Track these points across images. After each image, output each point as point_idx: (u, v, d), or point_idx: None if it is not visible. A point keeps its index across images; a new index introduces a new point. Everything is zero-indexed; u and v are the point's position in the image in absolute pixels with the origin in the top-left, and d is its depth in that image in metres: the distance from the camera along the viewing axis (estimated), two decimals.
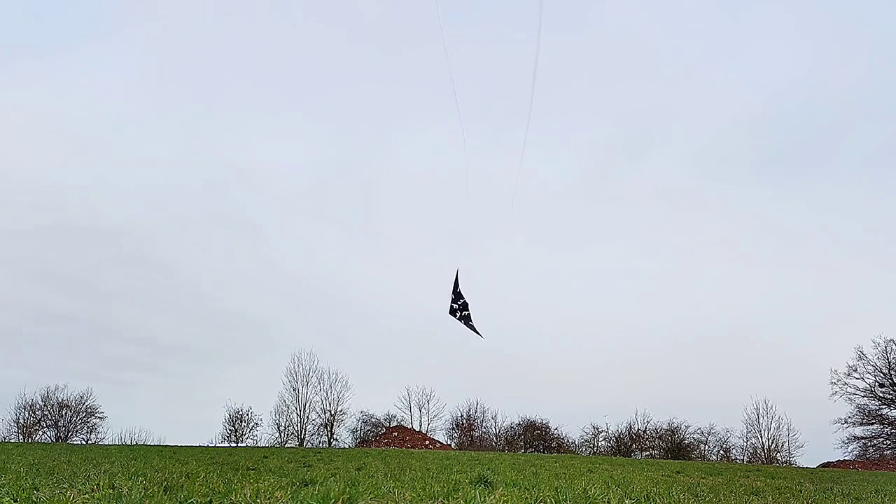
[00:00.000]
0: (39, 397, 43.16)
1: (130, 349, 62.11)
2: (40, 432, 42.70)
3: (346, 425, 46.76)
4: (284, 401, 46.08)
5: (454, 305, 14.70)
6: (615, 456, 41.43)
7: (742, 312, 62.73)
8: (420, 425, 47.94)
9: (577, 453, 42.74)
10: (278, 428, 45.55)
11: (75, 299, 63.25)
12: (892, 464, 39.08)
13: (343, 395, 46.68)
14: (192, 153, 68.29)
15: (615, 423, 47.15)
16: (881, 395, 42.51)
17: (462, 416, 48.82)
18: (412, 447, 40.69)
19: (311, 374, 46.73)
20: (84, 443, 40.77)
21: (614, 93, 69.37)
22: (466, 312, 14.64)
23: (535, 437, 47.98)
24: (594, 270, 69.95)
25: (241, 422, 44.96)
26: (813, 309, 64.41)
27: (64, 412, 43.23)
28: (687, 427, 45.88)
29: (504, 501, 7.49)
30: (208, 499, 7.12)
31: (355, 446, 43.16)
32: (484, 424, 49.15)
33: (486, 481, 9.93)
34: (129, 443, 39.01)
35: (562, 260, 72.44)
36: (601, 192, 71.29)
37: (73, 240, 65.15)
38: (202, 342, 66.67)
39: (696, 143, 69.91)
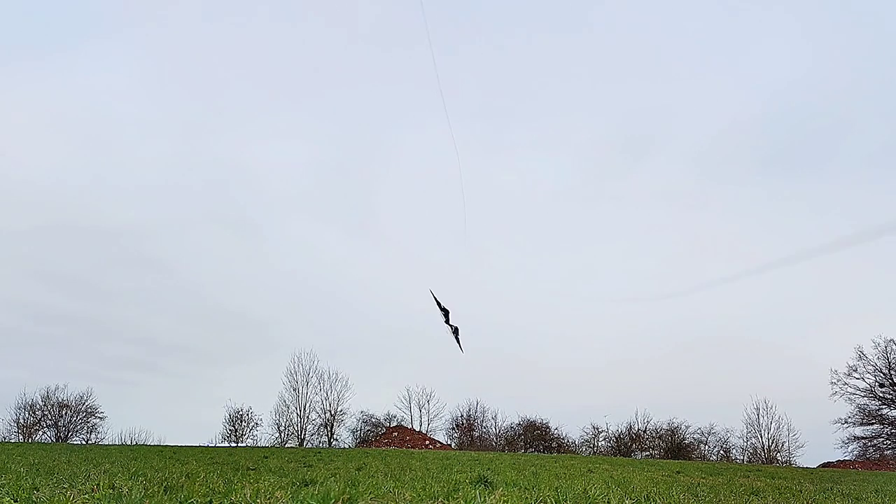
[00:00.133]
0: (39, 397, 43.24)
1: (130, 349, 62.20)
2: (40, 432, 42.73)
3: (346, 425, 46.82)
4: (284, 401, 46.14)
5: (448, 326, 16.87)
6: (615, 456, 41.43)
7: (742, 312, 62.80)
8: (420, 425, 48.00)
9: (577, 453, 42.73)
10: (278, 428, 45.60)
11: (75, 299, 63.36)
12: (893, 464, 39.09)
13: (343, 395, 46.72)
14: (192, 153, 68.40)
15: (615, 423, 47.20)
16: (881, 395, 42.50)
17: (462, 416, 48.88)
18: (412, 447, 40.69)
19: (311, 375, 46.78)
20: (84, 443, 40.76)
21: (615, 93, 69.54)
22: (456, 326, 16.94)
23: (535, 437, 47.98)
24: (594, 270, 69.96)
25: (241, 422, 44.98)
26: (813, 309, 64.46)
27: (64, 412, 43.25)
28: (687, 427, 45.94)
29: (504, 501, 7.49)
30: (208, 499, 7.12)
31: (355, 446, 43.15)
32: (484, 424, 49.21)
33: (486, 481, 9.93)
34: (129, 443, 39.01)
35: (562, 260, 72.50)
36: (601, 192, 71.36)
37: (73, 240, 65.27)
38: (202, 342, 66.75)
39: (697, 143, 69.99)
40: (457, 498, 7.71)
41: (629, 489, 9.94)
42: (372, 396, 69.27)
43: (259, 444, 42.70)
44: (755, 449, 44.40)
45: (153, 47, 66.62)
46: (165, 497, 7.06)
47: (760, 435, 44.35)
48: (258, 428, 45.21)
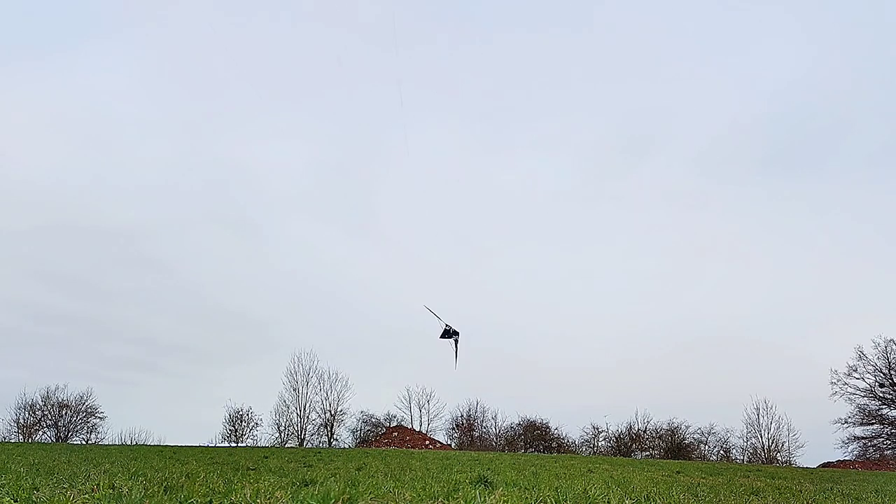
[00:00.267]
0: (39, 397, 43.26)
1: (130, 349, 62.20)
2: (40, 432, 42.74)
3: (346, 425, 46.83)
4: (284, 401, 46.16)
5: (450, 336, 17.69)
6: (615, 456, 41.43)
7: (742, 312, 62.86)
8: (420, 425, 48.00)
9: (577, 453, 42.73)
10: (278, 428, 45.60)
11: (75, 299, 63.37)
12: (893, 464, 39.08)
13: (343, 395, 46.73)
14: (192, 153, 68.42)
15: (615, 423, 47.22)
16: (881, 395, 42.50)
17: (462, 416, 48.88)
18: (412, 447, 40.69)
19: (311, 375, 46.79)
20: (84, 443, 40.76)
21: (615, 93, 69.56)
22: (457, 337, 17.89)
23: (535, 437, 47.98)
24: (594, 270, 70.01)
25: (241, 422, 44.99)
26: (813, 309, 64.49)
27: (64, 412, 43.26)
28: (687, 427, 45.96)
29: (504, 501, 7.49)
30: (208, 499, 7.12)
31: (355, 446, 43.15)
32: (484, 424, 49.21)
33: (486, 481, 9.92)
34: (129, 443, 39.02)
35: (562, 260, 72.51)
36: (601, 193, 71.39)
37: (73, 240, 65.29)
38: (202, 342, 66.74)
39: (697, 143, 70.04)
40: (457, 498, 7.71)
41: (629, 489, 9.93)
42: (372, 396, 69.40)
43: (259, 444, 42.72)
44: (755, 449, 44.43)
45: (153, 47, 66.71)
46: (165, 497, 7.06)
47: (760, 435, 44.42)
48: (258, 428, 45.30)
